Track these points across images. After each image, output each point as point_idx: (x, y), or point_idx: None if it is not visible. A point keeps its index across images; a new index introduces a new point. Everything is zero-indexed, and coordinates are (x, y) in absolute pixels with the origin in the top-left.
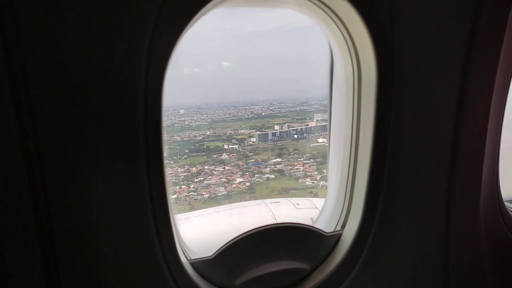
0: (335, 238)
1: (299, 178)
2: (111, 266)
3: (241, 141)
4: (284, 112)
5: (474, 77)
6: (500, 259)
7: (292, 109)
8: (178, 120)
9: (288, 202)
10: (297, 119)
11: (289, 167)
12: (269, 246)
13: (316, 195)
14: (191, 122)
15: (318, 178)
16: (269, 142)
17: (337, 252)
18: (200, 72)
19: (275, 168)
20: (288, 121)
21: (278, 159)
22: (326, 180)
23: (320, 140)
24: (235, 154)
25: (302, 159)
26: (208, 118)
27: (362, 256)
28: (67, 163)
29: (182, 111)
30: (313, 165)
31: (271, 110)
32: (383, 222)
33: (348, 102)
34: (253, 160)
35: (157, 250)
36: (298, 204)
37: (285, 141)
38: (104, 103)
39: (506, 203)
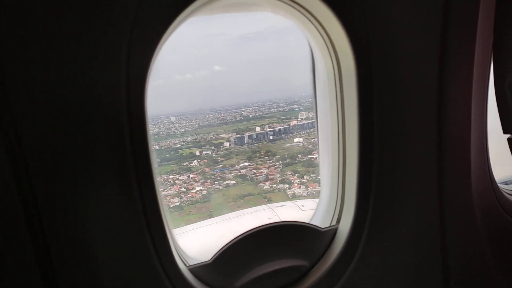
0: (331, 232)
1: (259, 182)
2: (108, 276)
3: (217, 146)
4: (273, 113)
5: (452, 64)
6: (499, 241)
7: (282, 109)
8: (165, 128)
9: (293, 205)
10: (282, 119)
11: (254, 171)
12: (267, 246)
13: (270, 200)
14: (178, 129)
15: (277, 181)
16: (245, 145)
17: (335, 246)
18: (192, 78)
19: (239, 173)
20: (273, 121)
21: (246, 163)
22: (284, 183)
23: (296, 140)
24: (205, 161)
25: (270, 161)
26: (196, 124)
27: (359, 248)
28: (56, 176)
29: (173, 118)
30: (278, 167)
31: (260, 111)
32: (377, 213)
33: (332, 99)
34: (221, 166)
35: (154, 259)
36: (303, 206)
37: (261, 143)
38: (86, 116)
39: (500, 185)
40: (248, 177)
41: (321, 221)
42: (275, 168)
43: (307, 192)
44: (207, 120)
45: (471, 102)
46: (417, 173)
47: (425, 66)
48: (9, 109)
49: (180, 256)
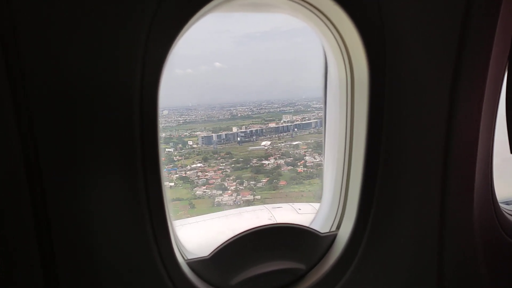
0: (331, 238)
1: (197, 186)
2: (109, 266)
3: (184, 144)
4: (262, 114)
5: (466, 77)
6: (496, 260)
7: (274, 110)
8: None
9: (290, 207)
10: (266, 121)
11: (199, 174)
12: (265, 246)
13: (193, 207)
14: (162, 123)
15: (214, 187)
16: (212, 145)
17: (333, 252)
18: (192, 72)
19: (184, 175)
20: (256, 122)
21: (199, 164)
22: (218, 190)
23: (263, 143)
24: (164, 159)
25: (223, 164)
26: (182, 119)
27: (357, 256)
28: (65, 165)
29: (165, 112)
30: (226, 171)
31: (251, 111)
32: (378, 222)
33: (342, 104)
34: (172, 165)
35: (154, 250)
36: (300, 209)
37: (228, 144)
38: (100, 107)
39: (501, 204)
40: (190, 179)
41: (321, 226)
42: (222, 172)
43: (234, 201)
44: (195, 117)
45: (480, 118)
46: (421, 186)
47: (438, 77)
48: (25, 100)
49: (179, 249)
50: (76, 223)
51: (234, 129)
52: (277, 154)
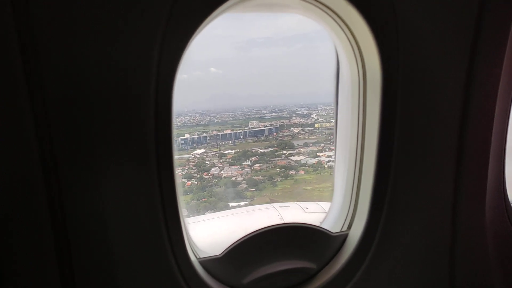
0: (342, 238)
1: None
2: (123, 264)
3: None
4: (235, 120)
5: (479, 77)
6: (508, 259)
7: (252, 116)
8: None
9: (297, 206)
10: (235, 127)
11: None
12: (277, 246)
13: None
14: None
15: None
16: None
17: (344, 252)
18: (202, 76)
19: None
20: (224, 128)
21: None
22: None
23: (196, 151)
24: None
25: None
26: None
27: (368, 256)
28: (81, 165)
29: None
30: None
31: (233, 117)
32: (389, 222)
33: (354, 105)
34: None
35: (167, 249)
36: (307, 208)
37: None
38: (115, 106)
39: None
40: None
41: (332, 226)
42: None
43: None
44: (179, 122)
45: (493, 118)
46: (433, 185)
47: (452, 76)
48: (43, 102)
49: (192, 248)
50: (91, 222)
51: (187, 135)
52: (191, 164)
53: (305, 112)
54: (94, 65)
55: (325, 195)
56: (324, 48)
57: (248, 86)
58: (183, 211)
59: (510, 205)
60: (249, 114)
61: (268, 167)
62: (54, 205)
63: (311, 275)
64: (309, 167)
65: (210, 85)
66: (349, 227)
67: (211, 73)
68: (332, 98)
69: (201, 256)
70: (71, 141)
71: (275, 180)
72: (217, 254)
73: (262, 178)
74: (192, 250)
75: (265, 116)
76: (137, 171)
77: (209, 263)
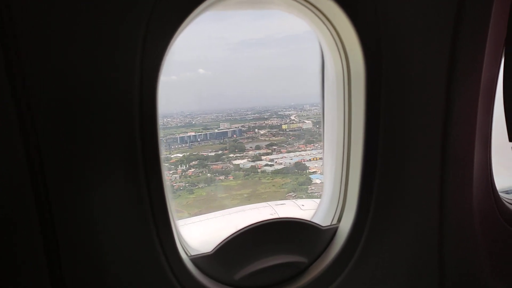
0: (332, 231)
1: None
2: (113, 264)
3: None
4: (214, 121)
5: (461, 69)
6: (496, 249)
7: (240, 118)
8: None
9: (293, 204)
10: (207, 128)
11: None
12: (267, 241)
13: None
14: None
15: None
16: None
17: (334, 245)
18: (177, 79)
19: None
20: (196, 130)
21: None
22: None
23: None
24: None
25: None
26: None
27: (358, 248)
28: (68, 166)
29: None
30: None
31: (214, 119)
32: (378, 214)
33: (339, 101)
34: None
35: (157, 247)
36: (303, 205)
37: None
38: (100, 107)
39: (500, 194)
40: None
41: (322, 220)
42: None
43: None
44: (163, 124)
45: (477, 108)
46: (420, 177)
47: (434, 71)
48: (27, 102)
49: (182, 245)
50: (80, 222)
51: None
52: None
53: (286, 113)
54: (76, 66)
55: (234, 203)
56: (313, 49)
57: (237, 87)
58: (173, 209)
59: (498, 193)
60: (233, 116)
61: (201, 172)
62: (42, 208)
63: (303, 269)
64: (243, 171)
65: (199, 87)
66: (339, 220)
67: (200, 75)
68: (318, 99)
69: (192, 254)
70: (57, 145)
71: (197, 186)
72: (208, 251)
73: (184, 184)
74: (183, 247)
75: (245, 118)
76: (125, 170)
77: (200, 260)
